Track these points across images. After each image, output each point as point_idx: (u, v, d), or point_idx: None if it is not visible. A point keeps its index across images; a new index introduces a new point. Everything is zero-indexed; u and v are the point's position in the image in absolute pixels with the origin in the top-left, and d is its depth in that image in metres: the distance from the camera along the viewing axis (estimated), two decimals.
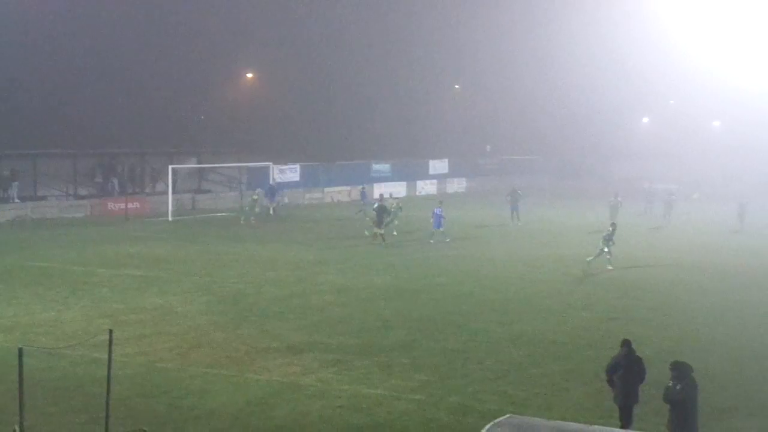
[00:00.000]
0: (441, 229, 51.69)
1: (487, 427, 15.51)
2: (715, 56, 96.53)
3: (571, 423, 16.37)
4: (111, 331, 19.22)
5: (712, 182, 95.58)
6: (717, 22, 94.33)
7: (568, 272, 44.21)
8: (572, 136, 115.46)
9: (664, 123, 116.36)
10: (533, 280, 42.10)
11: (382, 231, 53.63)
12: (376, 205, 55.43)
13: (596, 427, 16.55)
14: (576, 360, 27.77)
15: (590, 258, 44.72)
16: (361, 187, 78.22)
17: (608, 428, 18.90)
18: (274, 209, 69.06)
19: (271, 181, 74.14)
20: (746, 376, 25.92)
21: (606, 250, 44.66)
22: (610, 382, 20.83)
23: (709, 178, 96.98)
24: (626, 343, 20.83)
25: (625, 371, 20.63)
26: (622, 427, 20.13)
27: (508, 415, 16.75)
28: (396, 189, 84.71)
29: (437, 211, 52.66)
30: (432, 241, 51.07)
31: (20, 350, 18.43)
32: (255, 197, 64.64)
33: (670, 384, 19.04)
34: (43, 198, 69.79)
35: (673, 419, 18.95)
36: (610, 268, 44.36)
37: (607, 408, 22.67)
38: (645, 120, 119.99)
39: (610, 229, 45.30)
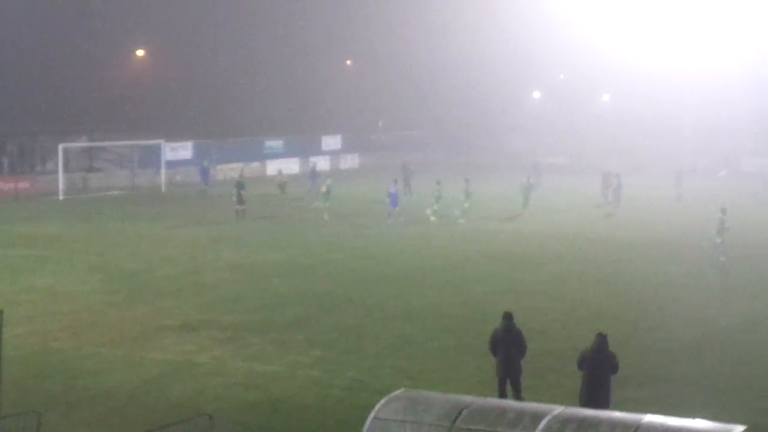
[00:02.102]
0: (397, 209, 51.15)
1: (383, 401, 15.60)
2: (603, 30, 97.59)
3: (466, 396, 16.52)
4: (1, 312, 18.93)
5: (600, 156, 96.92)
6: None
7: (463, 246, 44.55)
8: (464, 111, 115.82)
9: (555, 97, 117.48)
10: (428, 255, 42.35)
11: (244, 206, 53.88)
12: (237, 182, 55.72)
13: (490, 399, 16.76)
14: (471, 333, 28.02)
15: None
16: (312, 163, 77.58)
17: (501, 399, 19.20)
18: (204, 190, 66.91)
19: (205, 163, 72.51)
20: (635, 346, 26.42)
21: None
22: (493, 353, 21.20)
23: (597, 151, 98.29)
24: (505, 316, 21.17)
25: (505, 344, 20.94)
26: (502, 397, 20.48)
27: (402, 389, 16.87)
28: (289, 165, 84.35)
29: (392, 190, 51.94)
30: (389, 221, 50.62)
31: None
32: (329, 183, 56.39)
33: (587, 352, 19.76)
34: None
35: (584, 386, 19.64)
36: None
37: None
38: (536, 94, 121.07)
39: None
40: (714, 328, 29.24)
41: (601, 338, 19.88)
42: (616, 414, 15.84)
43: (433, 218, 51.21)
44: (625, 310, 31.14)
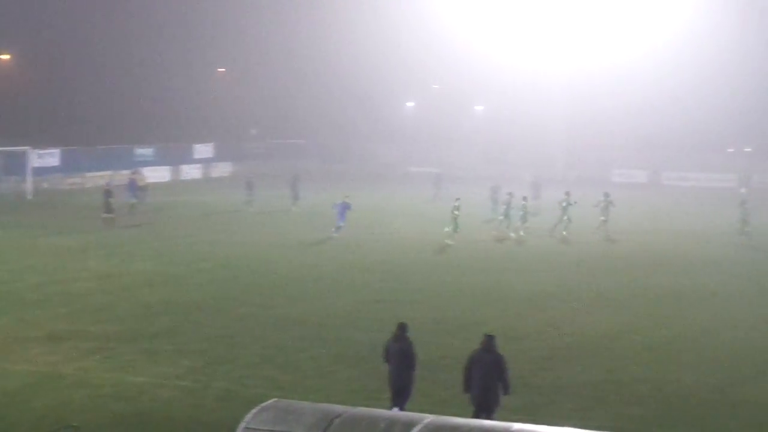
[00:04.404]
0: (342, 223, 50.23)
1: (253, 411, 15.42)
2: (478, 42, 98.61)
3: (337, 405, 16.40)
4: None
5: (473, 166, 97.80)
6: (479, 5, 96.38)
7: (336, 255, 44.47)
8: (337, 119, 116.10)
9: (428, 107, 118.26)
10: (300, 264, 42.16)
11: (113, 215, 53.20)
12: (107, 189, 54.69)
13: (361, 408, 16.67)
14: (342, 343, 27.97)
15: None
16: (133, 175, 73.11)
17: (374, 409, 19.10)
18: (133, 205, 63.81)
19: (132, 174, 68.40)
20: (506, 355, 26.51)
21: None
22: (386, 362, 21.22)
23: (469, 160, 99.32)
24: (399, 327, 21.16)
25: (396, 356, 20.91)
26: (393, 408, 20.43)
27: (274, 400, 16.68)
28: (160, 173, 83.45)
29: (341, 204, 50.77)
30: (336, 235, 49.72)
31: None
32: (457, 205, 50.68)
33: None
34: None
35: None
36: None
37: (373, 389, 22.99)
38: (409, 104, 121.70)
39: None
40: (584, 335, 29.63)
41: (489, 339, 20.02)
42: (486, 422, 15.88)
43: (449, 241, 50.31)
44: (497, 319, 31.30)
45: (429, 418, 15.12)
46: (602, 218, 53.01)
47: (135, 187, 62.08)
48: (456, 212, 49.02)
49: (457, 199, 50.61)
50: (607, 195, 53.79)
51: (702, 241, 50.94)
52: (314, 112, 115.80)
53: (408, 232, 53.02)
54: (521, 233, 50.85)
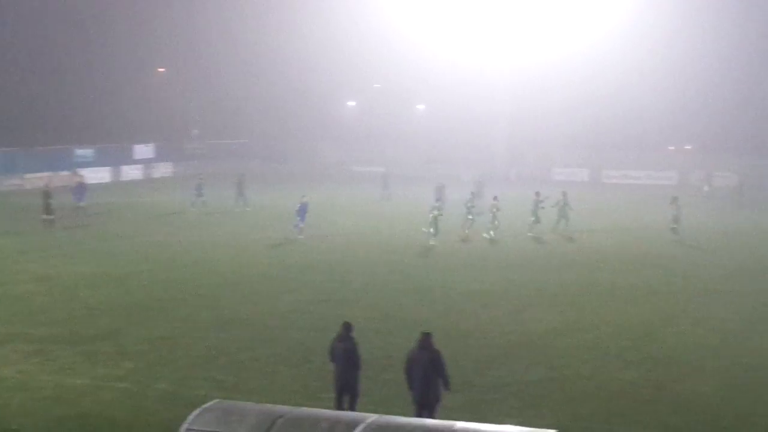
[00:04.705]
0: (302, 224, 49.77)
1: (195, 412, 15.33)
2: (418, 39, 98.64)
3: (280, 406, 16.34)
4: None
5: (415, 165, 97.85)
6: (419, 4, 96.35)
7: (278, 255, 44.33)
8: (279, 119, 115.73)
9: (371, 106, 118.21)
10: (241, 264, 41.96)
11: (52, 217, 52.89)
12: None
13: (305, 408, 16.61)
14: (285, 343, 27.88)
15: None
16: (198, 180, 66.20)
17: (317, 409, 19.04)
18: (80, 207, 62.75)
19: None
20: (449, 353, 26.43)
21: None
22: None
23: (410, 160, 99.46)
24: (344, 327, 21.09)
25: (341, 356, 20.83)
26: (338, 408, 20.37)
27: (216, 401, 16.59)
28: (100, 174, 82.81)
29: (302, 204, 50.31)
30: (301, 237, 49.22)
31: None
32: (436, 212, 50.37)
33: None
34: None
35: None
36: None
37: (316, 389, 22.96)
38: (351, 103, 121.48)
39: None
40: (527, 333, 29.72)
41: (426, 336, 20.04)
42: (429, 421, 15.89)
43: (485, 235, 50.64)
44: (439, 317, 31.32)
45: (372, 417, 15.10)
46: (558, 217, 53.18)
47: (82, 190, 61.40)
48: (436, 213, 48.86)
49: (438, 200, 50.70)
50: (564, 194, 54.00)
51: (642, 239, 51.30)
52: (256, 112, 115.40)
53: (354, 231, 52.91)
54: (492, 233, 50.77)
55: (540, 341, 28.82)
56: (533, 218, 52.64)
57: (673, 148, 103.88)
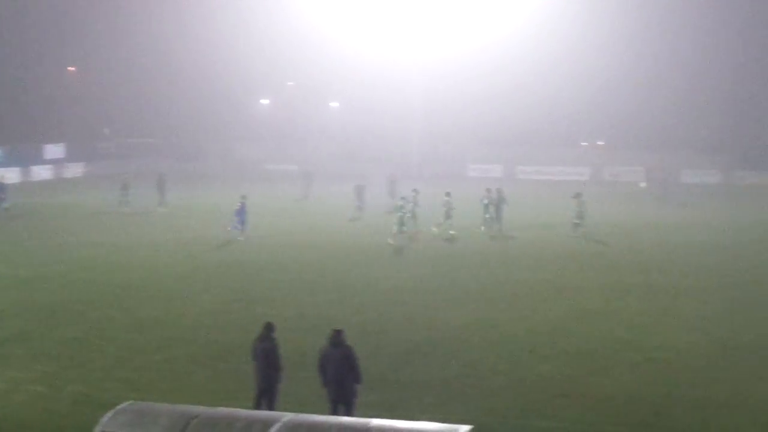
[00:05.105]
0: (240, 225, 49.06)
1: (109, 414, 15.23)
2: (330, 36, 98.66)
3: (195, 406, 16.26)
4: None
5: (330, 163, 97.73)
6: (331, 2, 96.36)
7: (192, 256, 44.00)
8: (191, 118, 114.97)
9: (284, 104, 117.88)
10: (155, 264, 41.61)
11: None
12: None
13: (220, 408, 16.55)
14: (199, 343, 27.73)
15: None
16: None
17: (232, 409, 18.98)
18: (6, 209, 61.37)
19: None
20: (363, 351, 26.52)
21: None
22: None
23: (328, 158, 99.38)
24: (265, 327, 21.06)
25: (261, 356, 20.77)
26: (258, 408, 20.31)
27: (129, 402, 16.46)
28: (9, 175, 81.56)
29: (241, 204, 49.56)
30: (241, 239, 48.47)
31: None
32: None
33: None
34: None
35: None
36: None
37: (231, 390, 22.88)
38: (264, 101, 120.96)
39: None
40: (442, 330, 29.84)
41: (337, 333, 20.08)
42: (345, 419, 15.94)
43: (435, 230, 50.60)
44: (353, 315, 31.35)
45: (287, 416, 15.11)
46: (489, 215, 53.12)
47: (3, 189, 60.47)
48: (402, 212, 48.57)
49: (402, 198, 50.41)
50: (500, 191, 53.97)
51: (555, 235, 51.73)
52: (168, 110, 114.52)
53: (271, 231, 52.54)
54: (451, 232, 50.67)
55: (454, 337, 28.96)
56: (487, 216, 52.44)
57: (585, 143, 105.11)
